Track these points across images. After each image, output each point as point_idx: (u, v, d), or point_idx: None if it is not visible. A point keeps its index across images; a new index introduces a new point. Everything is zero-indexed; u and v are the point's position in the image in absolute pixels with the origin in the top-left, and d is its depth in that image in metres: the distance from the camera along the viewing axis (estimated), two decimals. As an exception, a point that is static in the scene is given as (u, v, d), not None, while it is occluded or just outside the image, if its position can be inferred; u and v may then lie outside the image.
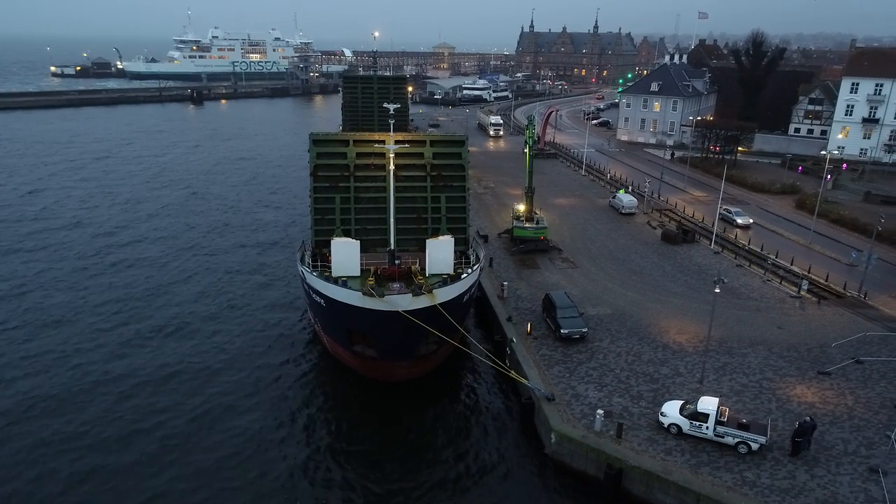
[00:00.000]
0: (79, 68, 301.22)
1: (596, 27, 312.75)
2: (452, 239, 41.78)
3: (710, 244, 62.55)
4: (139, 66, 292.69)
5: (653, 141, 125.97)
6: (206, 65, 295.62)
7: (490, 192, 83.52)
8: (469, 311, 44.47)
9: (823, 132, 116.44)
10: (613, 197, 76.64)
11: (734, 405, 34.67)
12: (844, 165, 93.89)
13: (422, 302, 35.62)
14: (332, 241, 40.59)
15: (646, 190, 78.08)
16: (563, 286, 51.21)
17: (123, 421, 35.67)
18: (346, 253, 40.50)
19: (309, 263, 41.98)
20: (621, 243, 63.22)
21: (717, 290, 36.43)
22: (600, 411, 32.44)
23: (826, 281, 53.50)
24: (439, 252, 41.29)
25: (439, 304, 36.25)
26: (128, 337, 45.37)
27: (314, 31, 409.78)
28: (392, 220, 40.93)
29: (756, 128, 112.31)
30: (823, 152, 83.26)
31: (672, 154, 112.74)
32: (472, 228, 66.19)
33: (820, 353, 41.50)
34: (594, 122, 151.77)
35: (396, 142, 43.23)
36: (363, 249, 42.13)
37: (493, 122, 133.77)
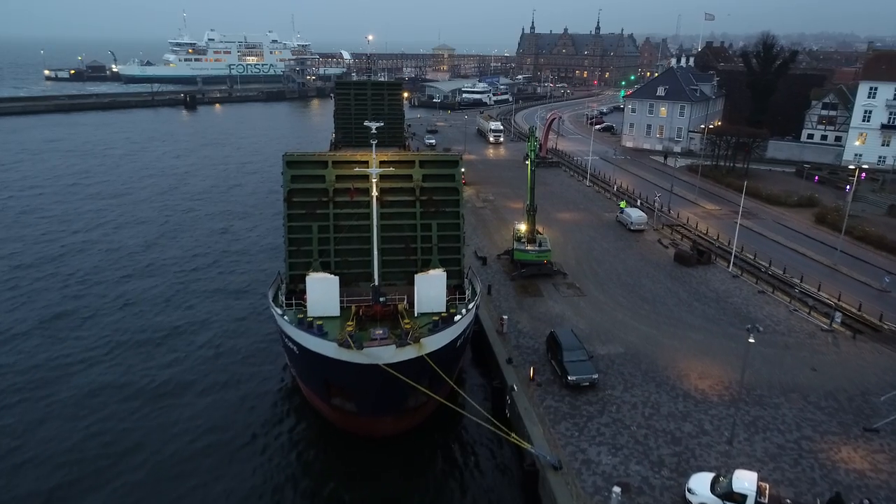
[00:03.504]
0: (73, 72, 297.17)
1: (598, 28, 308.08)
2: (444, 273, 36.95)
3: (729, 266, 57.54)
4: (134, 70, 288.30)
5: (659, 147, 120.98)
6: (202, 68, 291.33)
7: (489, 206, 78.54)
8: (464, 354, 39.60)
9: (838, 138, 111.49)
10: (621, 212, 71.64)
11: (771, 474, 29.73)
12: (863, 175, 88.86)
13: (407, 353, 30.75)
14: (308, 278, 35.75)
15: (655, 204, 73.09)
16: (569, 319, 46.30)
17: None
18: (323, 290, 35.71)
19: (283, 302, 37.14)
20: (630, 265, 58.26)
21: (752, 341, 31.33)
22: (617, 489, 27.47)
23: (859, 311, 48.51)
24: (430, 288, 36.44)
25: (428, 355, 31.37)
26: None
27: (312, 33, 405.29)
28: (376, 251, 36.09)
29: (769, 135, 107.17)
30: (850, 164, 78.11)
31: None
32: (469, 248, 61.81)
33: (863, 402, 36.52)
34: (597, 126, 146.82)
35: (381, 163, 38.42)
36: (344, 284, 37.37)
37: (492, 128, 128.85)
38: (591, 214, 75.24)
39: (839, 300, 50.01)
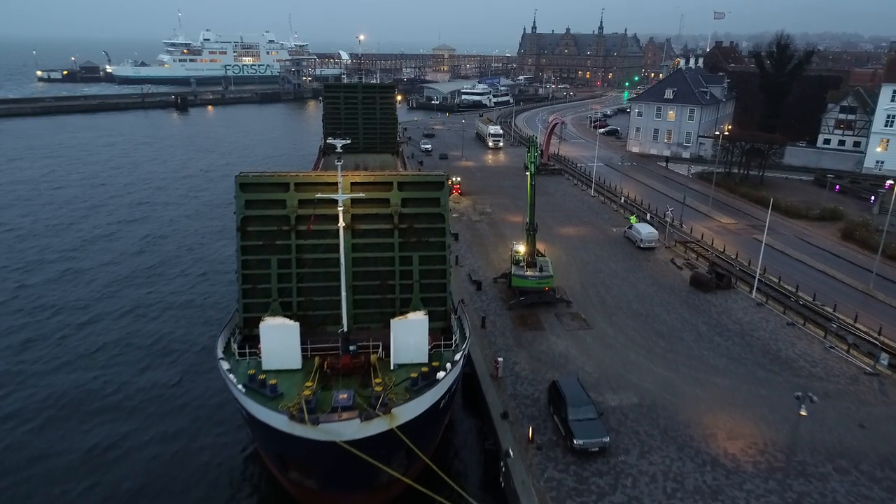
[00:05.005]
0: (66, 72, 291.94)
1: (601, 28, 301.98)
2: (426, 318, 31.02)
3: (752, 291, 51.56)
4: (127, 71, 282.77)
5: (667, 153, 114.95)
6: (197, 68, 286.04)
7: (486, 219, 72.57)
8: (448, 414, 33.71)
9: (856, 144, 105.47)
10: (629, 227, 65.65)
11: (829, 582, 23.79)
12: (888, 184, 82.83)
13: (375, 427, 24.90)
14: (262, 325, 29.83)
15: (667, 217, 67.14)
16: (574, 359, 40.37)
17: None
18: (280, 339, 29.82)
19: (235, 350, 31.24)
20: (641, 290, 52.29)
21: (804, 414, 25.36)
22: None
23: (905, 348, 42.54)
24: (408, 335, 30.53)
25: (402, 426, 25.52)
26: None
27: (310, 34, 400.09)
28: (345, 291, 30.21)
29: (786, 140, 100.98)
30: (872, 172, 72.02)
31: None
32: (462, 270, 55.94)
33: (926, 472, 30.55)
34: (601, 130, 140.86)
35: (353, 185, 32.61)
36: (308, 328, 31.54)
37: (492, 132, 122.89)
38: (597, 229, 69.25)
39: (880, 334, 44.06)
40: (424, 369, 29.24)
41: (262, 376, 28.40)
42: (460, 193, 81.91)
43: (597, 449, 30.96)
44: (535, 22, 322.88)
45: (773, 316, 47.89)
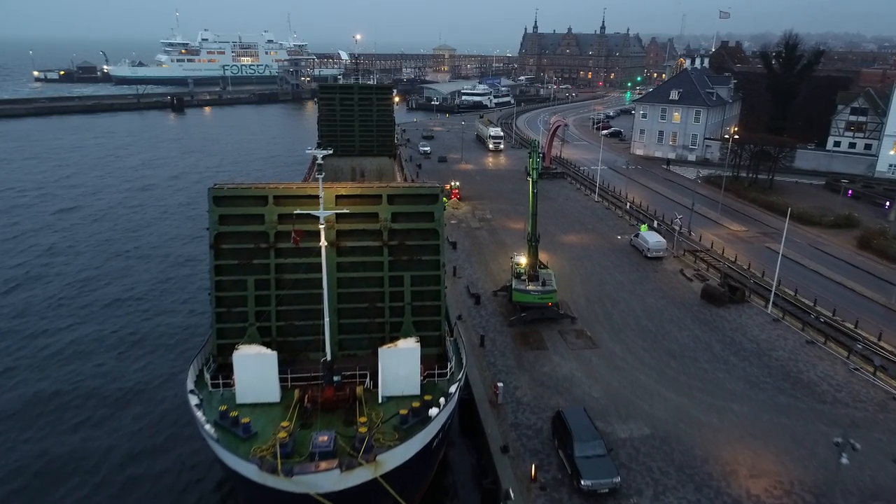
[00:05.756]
0: (62, 73, 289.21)
1: (602, 28, 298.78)
2: (418, 345, 28.12)
3: (767, 306, 48.58)
4: (125, 71, 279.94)
5: (672, 155, 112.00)
6: (195, 69, 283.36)
7: (486, 226, 69.60)
8: (442, 451, 30.77)
9: (867, 146, 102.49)
10: (636, 235, 62.72)
11: None
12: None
13: (358, 477, 22.00)
14: (236, 354, 26.95)
15: (675, 224, 64.20)
16: (580, 383, 37.44)
17: None
18: (256, 370, 26.96)
19: (207, 381, 28.35)
20: (650, 304, 49.34)
21: (845, 462, 22.46)
22: None
23: (936, 371, 39.58)
24: (398, 365, 27.66)
25: (388, 475, 22.63)
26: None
27: (310, 34, 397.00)
28: (327, 316, 27.33)
29: (797, 143, 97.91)
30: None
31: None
32: (460, 282, 53.01)
33: (971, 517, 27.59)
34: (604, 132, 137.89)
35: (338, 197, 29.70)
36: (290, 354, 28.68)
37: (492, 134, 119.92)
38: (602, 237, 66.26)
39: (907, 354, 41.12)
40: (415, 404, 26.37)
41: (234, 413, 25.51)
42: (459, 199, 78.98)
43: (606, 490, 28.03)
44: (536, 21, 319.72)
45: (790, 333, 44.91)
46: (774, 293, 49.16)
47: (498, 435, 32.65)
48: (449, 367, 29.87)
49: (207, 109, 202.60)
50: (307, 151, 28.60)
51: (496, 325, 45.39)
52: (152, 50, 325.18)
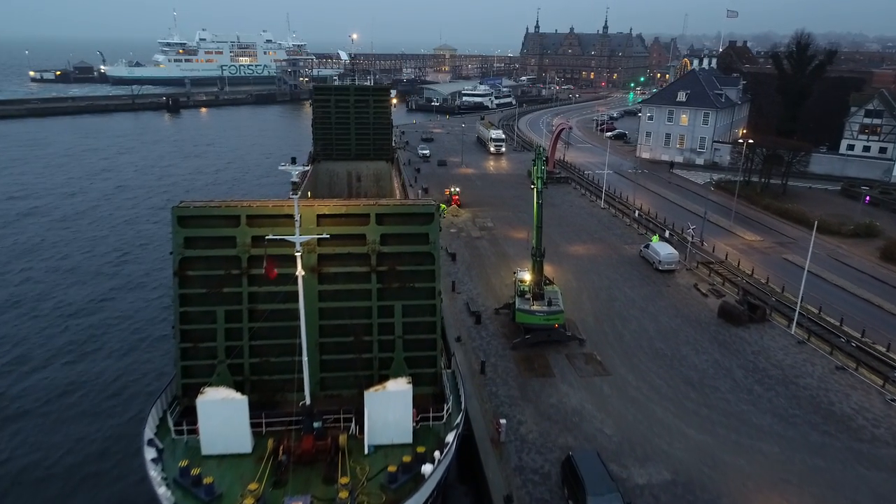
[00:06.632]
0: (59, 73, 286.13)
1: (605, 27, 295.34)
2: (409, 386, 24.63)
3: (791, 326, 45.04)
4: (121, 71, 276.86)
5: (679, 159, 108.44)
6: (193, 69, 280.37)
7: (487, 236, 66.07)
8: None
9: (882, 150, 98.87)
10: (646, 246, 59.23)
11: None
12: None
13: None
14: (200, 399, 23.45)
15: (689, 236, 60.68)
16: (590, 417, 33.94)
17: None
18: (224, 418, 23.47)
19: (171, 427, 24.88)
20: (664, 323, 45.82)
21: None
22: None
23: (982, 403, 36.00)
24: (387, 411, 24.18)
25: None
26: None
27: (309, 33, 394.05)
28: (306, 356, 23.86)
29: (812, 147, 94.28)
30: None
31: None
32: (460, 298, 49.55)
33: None
34: (608, 134, 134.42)
35: (320, 217, 26.21)
36: (264, 395, 25.23)
37: (493, 136, 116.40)
38: (609, 247, 62.73)
39: (948, 383, 37.57)
40: (406, 458, 22.87)
41: (195, 470, 22.01)
42: (459, 205, 75.50)
43: (625, 554, 24.57)
44: (538, 21, 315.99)
45: (818, 357, 41.35)
46: (799, 312, 45.61)
47: (500, 480, 29.14)
48: (446, 408, 26.39)
49: (203, 110, 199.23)
50: (280, 168, 24.99)
51: (498, 347, 41.86)
52: (150, 50, 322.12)
